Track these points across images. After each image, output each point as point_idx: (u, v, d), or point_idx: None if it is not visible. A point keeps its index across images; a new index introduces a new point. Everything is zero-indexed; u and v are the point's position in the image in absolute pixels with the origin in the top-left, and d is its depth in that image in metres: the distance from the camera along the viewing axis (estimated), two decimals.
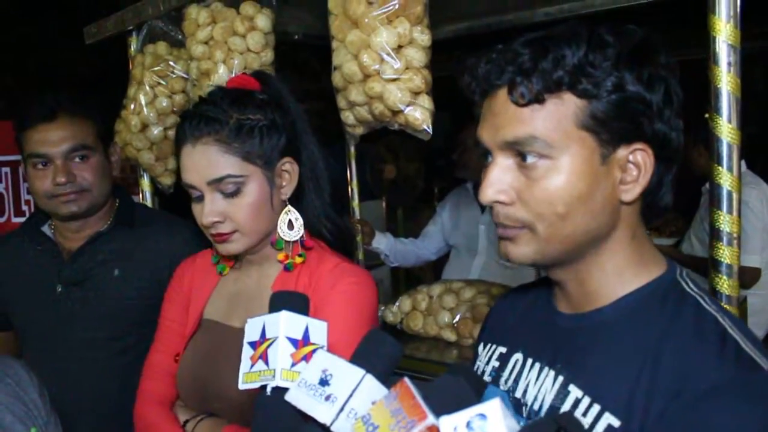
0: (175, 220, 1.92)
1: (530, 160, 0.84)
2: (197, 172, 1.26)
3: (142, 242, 1.81)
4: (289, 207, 1.33)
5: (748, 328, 0.85)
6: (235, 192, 1.25)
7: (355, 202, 3.08)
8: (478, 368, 1.09)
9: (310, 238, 1.36)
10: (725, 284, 1.28)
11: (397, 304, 2.45)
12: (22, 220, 2.72)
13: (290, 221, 1.32)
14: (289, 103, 1.35)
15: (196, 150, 1.25)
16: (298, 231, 1.32)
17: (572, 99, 0.82)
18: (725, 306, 1.28)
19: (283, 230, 1.31)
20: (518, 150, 0.85)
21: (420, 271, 4.60)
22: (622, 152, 0.84)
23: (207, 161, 1.25)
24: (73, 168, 1.75)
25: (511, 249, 0.89)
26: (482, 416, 0.65)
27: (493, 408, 0.65)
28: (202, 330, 1.39)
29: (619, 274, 0.90)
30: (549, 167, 0.83)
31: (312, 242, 1.35)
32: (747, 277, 2.79)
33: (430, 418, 0.68)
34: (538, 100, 0.83)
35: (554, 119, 0.83)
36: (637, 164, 0.84)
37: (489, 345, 1.09)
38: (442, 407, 0.68)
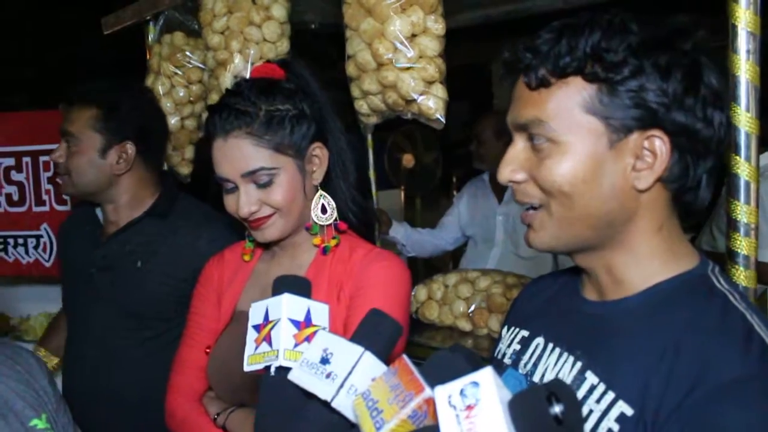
0: (210, 216, 1.88)
1: (537, 141, 0.87)
2: (230, 165, 1.27)
3: (169, 237, 1.81)
4: (322, 192, 1.34)
5: None
6: (268, 183, 1.27)
7: (373, 191, 3.08)
8: (499, 351, 1.10)
9: (343, 223, 1.37)
10: (742, 275, 1.26)
11: (413, 293, 2.45)
12: (42, 209, 2.77)
13: (323, 205, 1.34)
14: (315, 90, 1.35)
15: (228, 144, 1.26)
16: (332, 215, 1.34)
17: (581, 84, 0.83)
18: None
19: (317, 215, 1.33)
20: (529, 132, 0.88)
21: (438, 261, 4.60)
22: (636, 139, 0.83)
23: (240, 155, 1.26)
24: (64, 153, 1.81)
25: (531, 235, 0.92)
26: (475, 384, 0.65)
27: (486, 376, 0.66)
28: (235, 322, 1.40)
29: (646, 264, 0.89)
30: (554, 149, 0.85)
31: (345, 226, 1.36)
32: (763, 273, 2.68)
33: (428, 391, 0.69)
34: (544, 84, 0.85)
35: (560, 103, 0.84)
36: (652, 151, 0.83)
37: (512, 328, 1.09)
38: (439, 380, 0.68)
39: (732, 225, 1.26)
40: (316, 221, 1.33)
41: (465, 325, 2.29)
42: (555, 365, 0.94)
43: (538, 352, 1.00)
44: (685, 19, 0.85)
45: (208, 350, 1.40)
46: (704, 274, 0.88)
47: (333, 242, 1.33)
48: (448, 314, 2.34)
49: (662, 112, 0.81)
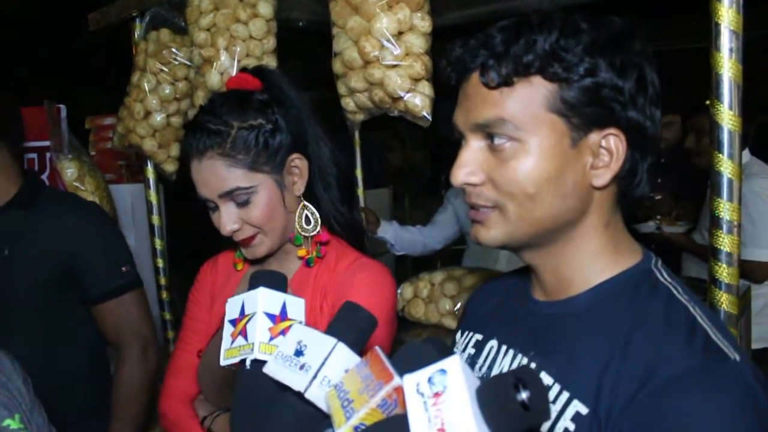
0: (74, 202, 1.88)
1: (499, 141, 0.85)
2: (207, 186, 1.26)
3: (34, 224, 1.79)
4: (305, 202, 1.32)
5: (720, 320, 0.86)
6: (246, 201, 1.26)
7: (361, 190, 3.08)
8: None
9: (328, 233, 1.36)
10: (724, 272, 1.27)
11: (398, 291, 2.45)
12: None
13: (307, 216, 1.32)
14: (292, 98, 1.32)
15: (202, 165, 1.25)
16: (315, 225, 1.32)
17: (542, 83, 0.83)
18: (725, 295, 1.27)
19: (301, 226, 1.32)
20: (488, 132, 0.86)
21: (425, 261, 4.59)
22: (594, 137, 0.85)
23: (214, 176, 1.25)
24: None
25: (482, 232, 0.90)
26: (443, 371, 0.65)
27: (453, 363, 0.65)
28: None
29: (592, 262, 0.90)
30: (518, 149, 0.84)
31: (328, 236, 1.35)
32: (760, 272, 2.64)
33: (397, 380, 0.69)
34: (507, 83, 0.84)
35: (523, 102, 0.84)
36: (609, 149, 0.85)
37: (466, 332, 1.09)
38: (409, 369, 0.68)
39: (715, 222, 1.27)
40: (301, 233, 1.32)
41: (451, 323, 2.29)
42: (509, 367, 0.95)
43: (492, 355, 1.00)
44: (626, 21, 0.87)
45: (200, 354, 1.40)
46: (648, 269, 0.91)
47: (314, 253, 1.33)
48: (434, 312, 2.34)
49: (618, 110, 0.83)
